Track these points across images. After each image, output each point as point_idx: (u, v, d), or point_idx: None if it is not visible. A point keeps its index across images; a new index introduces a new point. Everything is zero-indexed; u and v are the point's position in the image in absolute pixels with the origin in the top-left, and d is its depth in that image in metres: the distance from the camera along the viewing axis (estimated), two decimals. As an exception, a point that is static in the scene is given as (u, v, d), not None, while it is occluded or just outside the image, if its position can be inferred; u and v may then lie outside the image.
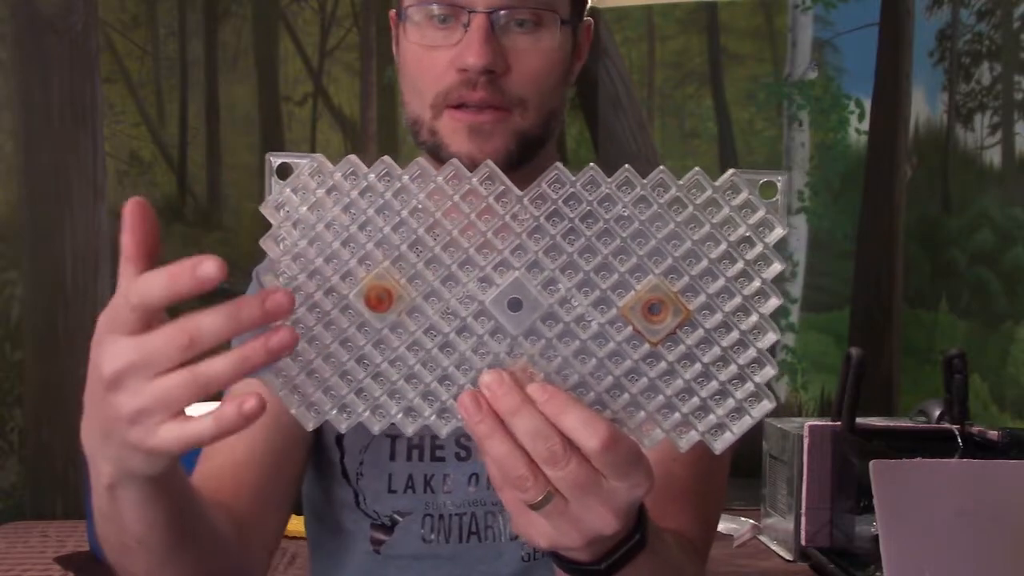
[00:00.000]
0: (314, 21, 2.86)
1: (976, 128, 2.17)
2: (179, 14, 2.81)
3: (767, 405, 0.55)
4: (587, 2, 0.90)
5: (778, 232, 0.56)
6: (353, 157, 0.55)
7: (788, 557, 1.89)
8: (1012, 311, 1.99)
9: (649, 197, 0.59)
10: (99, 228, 2.72)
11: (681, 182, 0.60)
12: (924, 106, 2.49)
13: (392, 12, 0.89)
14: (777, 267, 0.56)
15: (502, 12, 0.79)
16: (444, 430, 0.55)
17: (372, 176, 0.54)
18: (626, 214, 0.57)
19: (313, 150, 2.85)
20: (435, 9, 0.80)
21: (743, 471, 2.55)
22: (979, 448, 1.60)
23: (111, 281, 2.79)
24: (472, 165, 0.59)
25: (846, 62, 2.75)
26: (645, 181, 0.60)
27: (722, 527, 2.09)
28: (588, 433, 0.51)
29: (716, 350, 0.54)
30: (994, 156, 2.08)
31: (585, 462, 0.52)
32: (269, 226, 0.60)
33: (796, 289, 2.78)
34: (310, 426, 0.57)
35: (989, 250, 2.10)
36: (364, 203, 0.54)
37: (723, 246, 0.56)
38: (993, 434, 1.59)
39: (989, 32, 2.15)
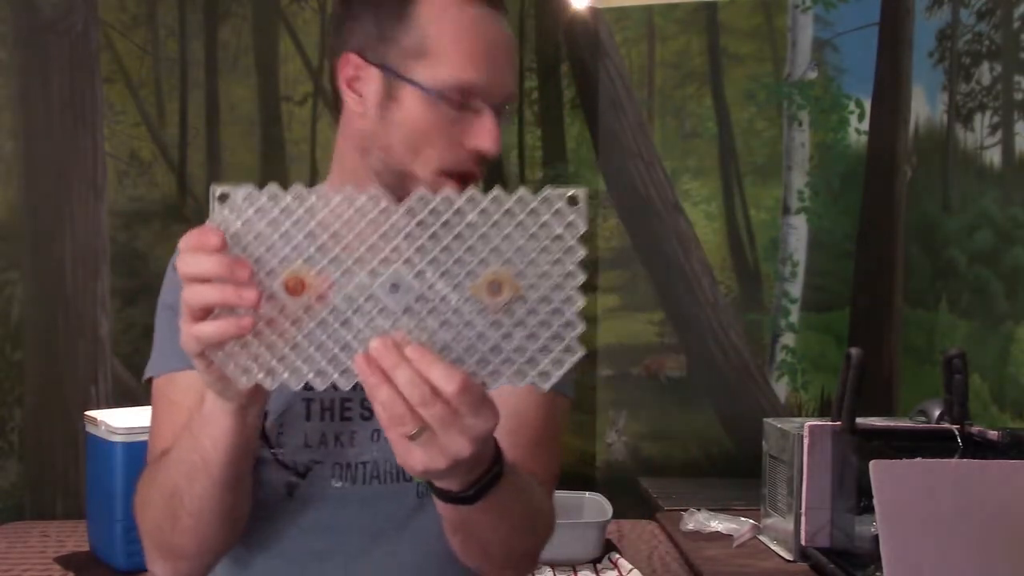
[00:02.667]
0: (314, 21, 2.86)
1: (976, 128, 2.17)
2: (179, 14, 2.81)
3: (578, 355, 0.74)
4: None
5: (582, 228, 0.76)
6: (274, 185, 0.74)
7: (788, 557, 1.89)
8: (1012, 311, 1.99)
9: (488, 209, 0.74)
10: (99, 228, 2.72)
11: (513, 197, 0.75)
12: (924, 106, 2.49)
13: (353, 55, 0.95)
14: (581, 253, 0.75)
15: (504, 107, 0.95)
16: (345, 385, 0.74)
17: (289, 198, 0.74)
18: (473, 221, 0.74)
19: (313, 150, 2.86)
20: (460, 98, 0.93)
21: (743, 471, 2.56)
22: (979, 448, 1.60)
23: (111, 281, 2.80)
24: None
25: (846, 62, 2.75)
26: (485, 197, 0.75)
27: (722, 527, 2.09)
28: (447, 381, 0.70)
29: (540, 316, 0.74)
30: (994, 156, 2.08)
31: (447, 403, 0.70)
32: None
33: (796, 289, 2.78)
34: (241, 384, 0.75)
35: (989, 250, 2.10)
36: (283, 218, 0.74)
37: (544, 241, 0.74)
38: (993, 434, 1.60)
39: (989, 32, 2.15)
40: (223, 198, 0.76)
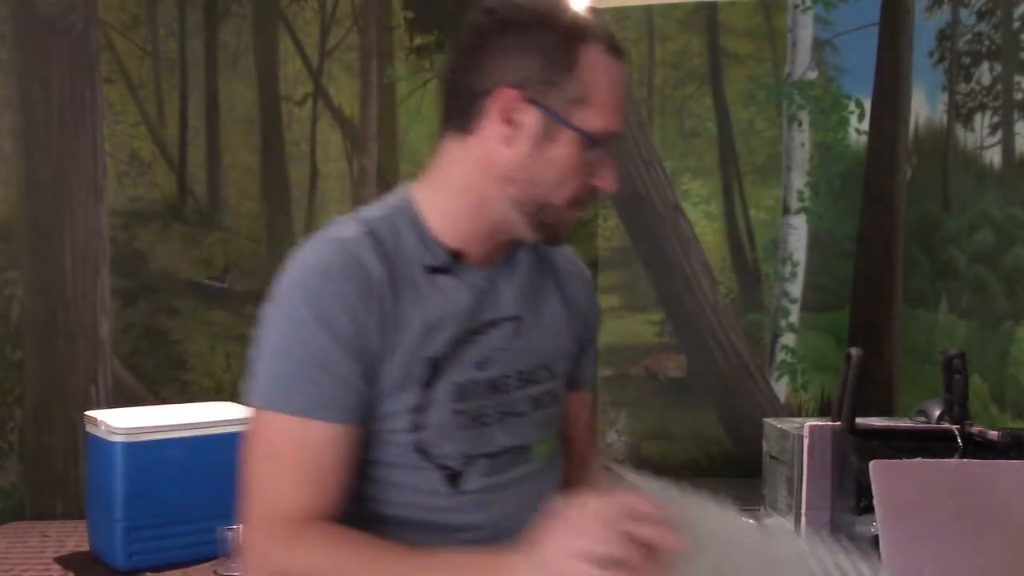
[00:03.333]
0: (314, 21, 2.86)
1: (976, 128, 2.17)
2: (179, 14, 2.81)
3: None
4: None
5: None
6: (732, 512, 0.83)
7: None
8: (1012, 311, 1.99)
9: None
10: (99, 228, 2.72)
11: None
12: (924, 106, 2.49)
13: (536, 107, 1.00)
14: None
15: None
16: None
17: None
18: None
19: (313, 150, 2.86)
20: (606, 142, 1.00)
21: (743, 471, 2.56)
22: (979, 448, 1.60)
23: (111, 281, 2.81)
24: (561, 245, 1.08)
25: (846, 62, 2.75)
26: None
27: (722, 527, 2.08)
28: None
29: None
30: (994, 156, 2.08)
31: None
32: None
33: (796, 289, 2.78)
34: None
35: (989, 250, 2.09)
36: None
37: None
38: (993, 434, 1.59)
39: (989, 32, 2.15)
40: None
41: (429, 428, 1.00)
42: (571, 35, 1.00)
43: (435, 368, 0.99)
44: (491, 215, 1.02)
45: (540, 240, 1.03)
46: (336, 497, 0.95)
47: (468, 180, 1.03)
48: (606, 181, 1.00)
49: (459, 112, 1.02)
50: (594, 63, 1.00)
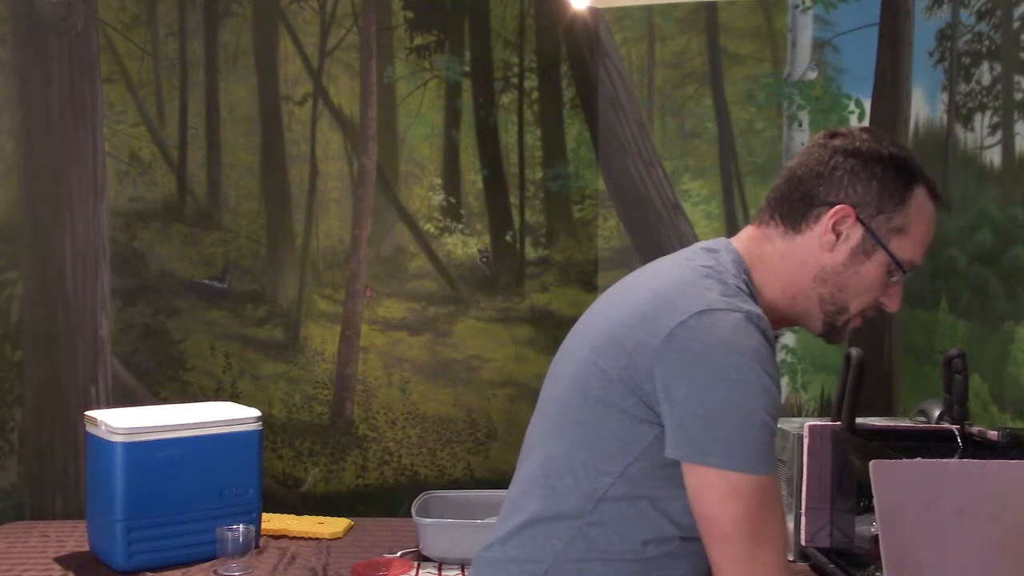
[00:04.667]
0: (314, 21, 2.86)
1: (976, 128, 2.17)
2: (179, 14, 2.81)
3: None
4: None
5: None
6: None
7: (788, 557, 1.88)
8: (1012, 311, 1.99)
9: None
10: (99, 228, 2.72)
11: None
12: (924, 106, 2.49)
13: (862, 226, 1.19)
14: None
15: None
16: None
17: None
18: None
19: (313, 150, 2.86)
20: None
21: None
22: (979, 448, 1.60)
23: (111, 281, 2.80)
24: (838, 343, 1.27)
25: (846, 62, 2.75)
26: None
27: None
28: None
29: None
30: (994, 156, 2.08)
31: None
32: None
33: (796, 289, 2.78)
34: None
35: (989, 250, 2.09)
36: None
37: None
38: (993, 434, 1.59)
39: (989, 32, 2.14)
40: None
41: None
42: (908, 175, 1.19)
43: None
44: (798, 307, 1.21)
45: (823, 336, 1.22)
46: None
47: (789, 272, 1.21)
48: (894, 303, 1.22)
49: (794, 211, 1.21)
50: (920, 203, 1.20)
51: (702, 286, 1.14)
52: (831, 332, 1.23)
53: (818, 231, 1.20)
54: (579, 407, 1.18)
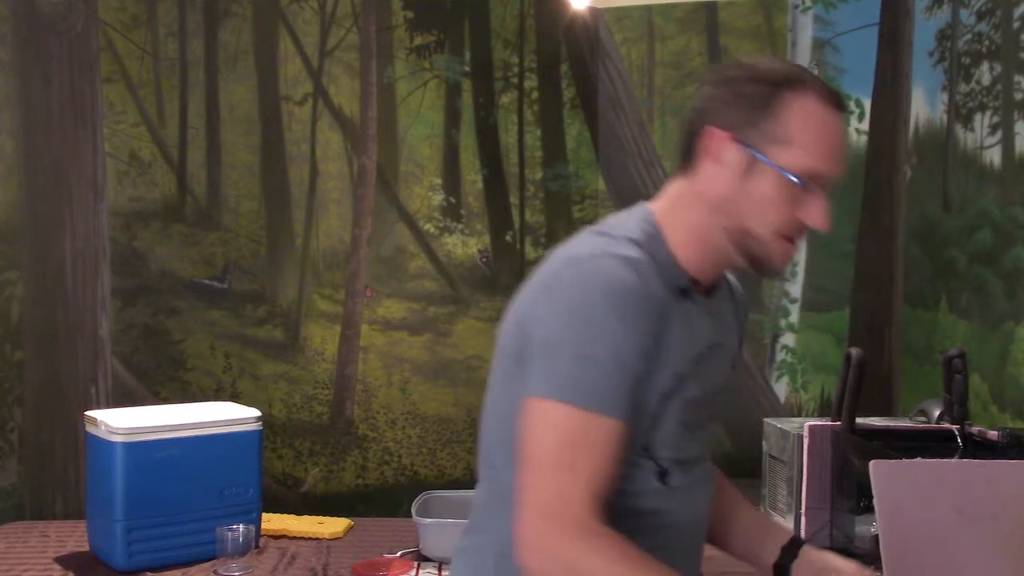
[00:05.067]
0: (314, 21, 2.86)
1: (976, 128, 2.17)
2: (179, 14, 2.81)
3: None
4: None
5: None
6: None
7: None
8: (1012, 311, 1.99)
9: None
10: (99, 228, 2.72)
11: None
12: (924, 106, 2.49)
13: (725, 132, 1.15)
14: None
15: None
16: None
17: None
18: None
19: (313, 150, 2.86)
20: (807, 182, 1.12)
21: (743, 471, 2.56)
22: (979, 448, 1.60)
23: (111, 281, 2.80)
24: (775, 275, 1.15)
25: (846, 62, 2.75)
26: None
27: (722, 527, 2.08)
28: None
29: None
30: (994, 156, 2.08)
31: None
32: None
33: (796, 289, 2.78)
34: None
35: (989, 250, 2.09)
36: None
37: None
38: (993, 434, 1.59)
39: (989, 32, 2.15)
40: None
41: (658, 433, 1.13)
42: (772, 82, 1.14)
43: (679, 383, 1.12)
44: (710, 245, 1.16)
45: (752, 268, 1.16)
46: (608, 491, 1.07)
47: (691, 213, 1.18)
48: (815, 219, 1.13)
49: (684, 154, 1.19)
50: (801, 109, 1.14)
51: (579, 242, 1.15)
52: (757, 263, 1.15)
53: (704, 164, 1.16)
54: (495, 386, 1.20)
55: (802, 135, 1.13)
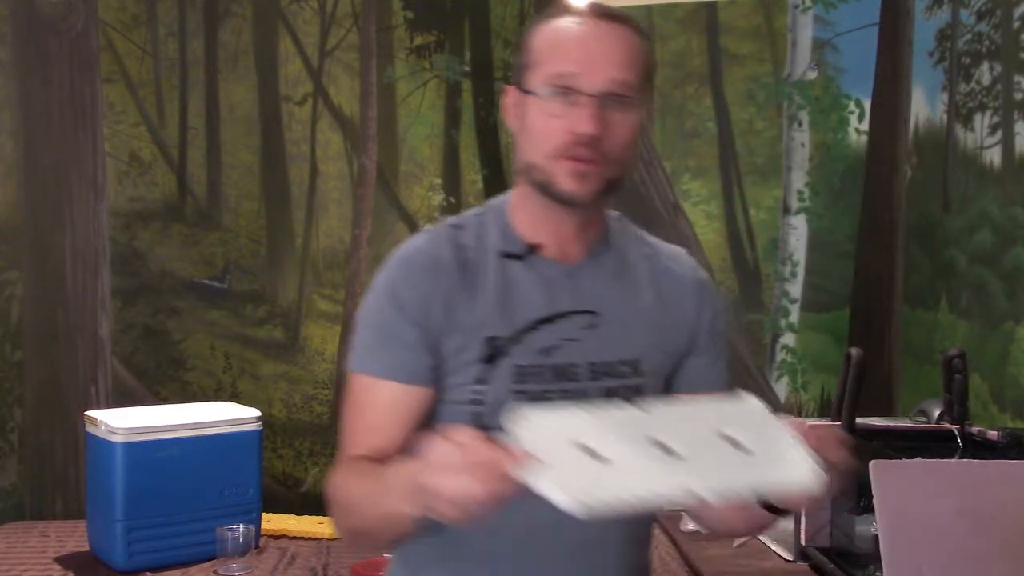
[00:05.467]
0: (314, 21, 2.86)
1: (976, 128, 2.17)
2: (179, 14, 2.81)
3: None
4: (653, 87, 1.19)
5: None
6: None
7: (788, 557, 1.89)
8: (1012, 311, 1.99)
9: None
10: (99, 228, 2.72)
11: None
12: (924, 106, 2.49)
13: (511, 87, 1.16)
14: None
15: (605, 96, 1.08)
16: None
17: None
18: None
19: (313, 150, 2.86)
20: (558, 90, 1.09)
21: (743, 471, 2.56)
22: (979, 448, 1.60)
23: (111, 281, 2.80)
24: (573, 199, 1.08)
25: (846, 62, 2.75)
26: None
27: (722, 527, 2.08)
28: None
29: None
30: (994, 156, 2.08)
31: None
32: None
33: (796, 289, 2.78)
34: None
35: (989, 250, 2.09)
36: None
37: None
38: (993, 434, 1.59)
39: (989, 32, 2.15)
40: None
41: (487, 404, 1.10)
42: (529, 25, 1.16)
43: (496, 348, 1.10)
44: (529, 201, 1.14)
45: (554, 201, 1.11)
46: (397, 446, 1.09)
47: (517, 176, 1.17)
48: (581, 123, 1.07)
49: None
50: (540, 30, 1.14)
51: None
52: (550, 193, 1.10)
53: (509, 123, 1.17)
54: None
55: (543, 52, 1.12)
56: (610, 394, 1.13)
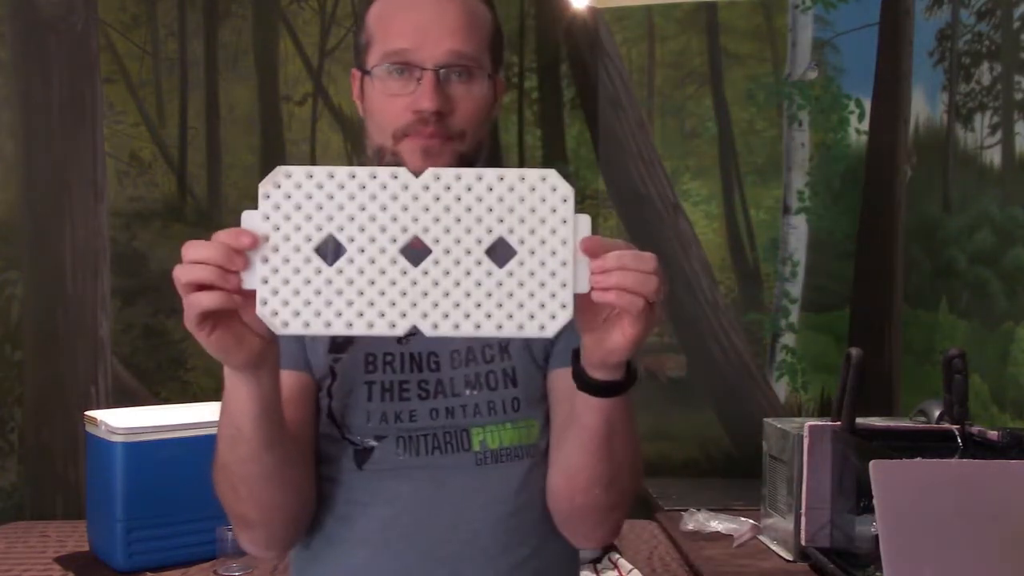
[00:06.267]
0: (314, 21, 2.86)
1: (976, 128, 2.17)
2: (179, 14, 2.80)
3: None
4: (503, 60, 1.16)
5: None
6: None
7: (788, 557, 1.89)
8: (1012, 311, 1.99)
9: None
10: (99, 228, 2.72)
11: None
12: (924, 106, 2.49)
13: (354, 70, 1.13)
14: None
15: (444, 69, 1.04)
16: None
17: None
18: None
19: (313, 150, 2.86)
20: (395, 67, 1.05)
21: (743, 471, 2.56)
22: (979, 448, 1.60)
23: (111, 281, 2.80)
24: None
25: (846, 62, 2.75)
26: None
27: (722, 527, 2.09)
28: (650, 261, 0.86)
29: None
30: (994, 156, 2.08)
31: (658, 276, 0.86)
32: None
33: (796, 289, 2.78)
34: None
35: (989, 250, 2.10)
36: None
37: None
38: (993, 434, 1.59)
39: (989, 32, 2.15)
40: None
41: (337, 395, 1.07)
42: (365, 2, 1.13)
43: (344, 336, 1.06)
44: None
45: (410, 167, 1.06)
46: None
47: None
48: (418, 101, 1.04)
49: None
50: (373, 8, 1.11)
51: None
52: (398, 163, 1.05)
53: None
54: None
55: (377, 29, 1.08)
56: (475, 382, 1.08)
